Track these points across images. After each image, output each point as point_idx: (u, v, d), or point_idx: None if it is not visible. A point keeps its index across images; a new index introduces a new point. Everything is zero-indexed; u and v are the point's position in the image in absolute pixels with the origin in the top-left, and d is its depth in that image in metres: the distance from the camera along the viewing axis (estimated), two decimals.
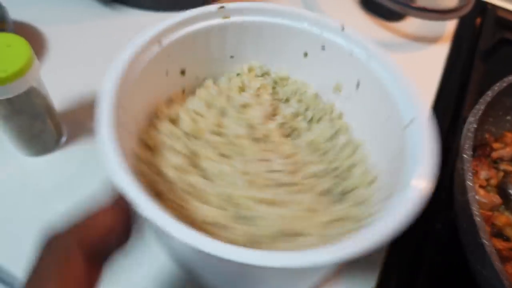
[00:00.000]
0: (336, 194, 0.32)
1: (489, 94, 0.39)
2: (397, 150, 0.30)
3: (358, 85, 0.35)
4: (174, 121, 0.33)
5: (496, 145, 0.42)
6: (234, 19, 0.35)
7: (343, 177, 0.33)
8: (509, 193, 0.36)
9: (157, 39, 0.32)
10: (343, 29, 0.34)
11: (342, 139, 0.35)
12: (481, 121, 0.37)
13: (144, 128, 0.32)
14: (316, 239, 0.27)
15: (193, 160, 0.31)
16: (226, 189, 0.29)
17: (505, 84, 0.39)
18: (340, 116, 0.37)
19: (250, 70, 0.38)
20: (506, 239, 0.35)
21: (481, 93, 0.40)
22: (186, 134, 0.32)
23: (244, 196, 0.28)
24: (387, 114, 0.32)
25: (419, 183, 0.25)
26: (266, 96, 0.36)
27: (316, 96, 0.38)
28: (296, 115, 0.36)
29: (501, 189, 0.38)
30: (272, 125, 0.34)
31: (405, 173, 0.27)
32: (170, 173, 0.29)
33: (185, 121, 0.33)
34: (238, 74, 0.37)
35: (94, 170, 0.39)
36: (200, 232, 0.22)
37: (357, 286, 0.35)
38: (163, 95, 0.34)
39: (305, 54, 0.37)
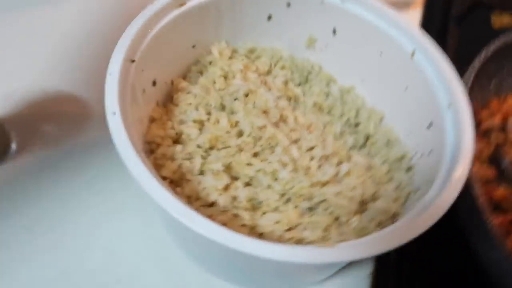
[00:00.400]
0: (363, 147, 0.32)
1: (477, 63, 0.37)
2: (404, 89, 0.31)
3: (334, 32, 0.34)
4: (177, 140, 0.29)
5: (484, 113, 0.40)
6: (190, 3, 0.30)
7: (356, 124, 0.33)
8: (503, 165, 0.35)
9: (128, 57, 0.26)
10: None
11: (334, 89, 0.35)
12: (469, 90, 0.36)
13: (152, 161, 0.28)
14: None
15: (229, 171, 0.28)
16: (286, 187, 0.27)
17: (490, 52, 0.37)
18: (321, 69, 0.36)
19: (220, 53, 0.34)
20: (504, 211, 0.34)
21: (458, 59, 0.38)
22: (202, 148, 0.28)
23: (306, 187, 0.27)
24: (379, 50, 0.32)
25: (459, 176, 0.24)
26: (252, 75, 0.33)
27: (291, 56, 0.36)
28: (285, 83, 0.34)
29: (494, 161, 0.36)
30: (281, 102, 0.32)
31: (444, 161, 0.26)
32: (219, 200, 0.26)
33: (193, 135, 0.29)
34: (210, 63, 0.33)
35: (53, 182, 0.34)
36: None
37: (355, 268, 0.33)
38: (143, 118, 0.29)
39: (269, 17, 0.34)
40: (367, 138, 0.33)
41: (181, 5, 0.30)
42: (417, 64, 0.30)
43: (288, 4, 0.33)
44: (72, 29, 0.44)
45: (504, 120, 0.38)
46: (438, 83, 0.29)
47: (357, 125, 0.34)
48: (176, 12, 0.29)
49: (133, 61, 0.27)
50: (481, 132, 0.38)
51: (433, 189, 0.25)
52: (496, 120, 0.38)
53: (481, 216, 0.29)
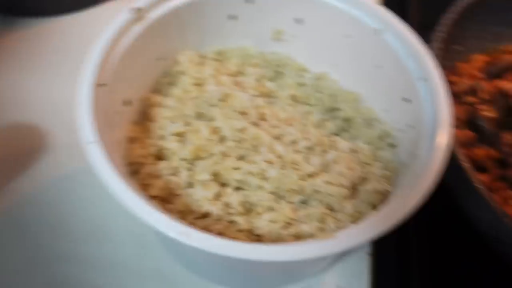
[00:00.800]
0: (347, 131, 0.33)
1: (440, 30, 0.37)
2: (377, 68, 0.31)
3: (298, 21, 0.34)
4: (160, 157, 0.29)
5: (453, 78, 0.41)
6: (150, 16, 0.30)
7: (335, 109, 0.33)
8: (480, 124, 0.36)
9: (97, 82, 0.26)
10: None
11: (308, 78, 0.35)
12: (437, 58, 0.36)
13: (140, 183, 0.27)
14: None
15: (217, 179, 0.27)
16: (276, 184, 0.27)
17: (452, 17, 0.38)
18: (292, 60, 0.36)
19: (189, 61, 0.33)
20: (486, 170, 0.35)
21: (422, 27, 0.39)
22: (186, 160, 0.28)
23: (296, 181, 0.27)
24: (346, 33, 0.32)
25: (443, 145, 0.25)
26: (224, 77, 0.33)
27: (260, 52, 0.35)
28: (258, 80, 0.34)
29: (471, 123, 0.37)
30: (257, 100, 0.31)
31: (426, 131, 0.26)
32: (212, 209, 0.26)
33: (175, 149, 0.28)
34: (180, 72, 0.33)
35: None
36: None
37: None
38: (121, 141, 0.29)
39: (232, 17, 0.34)
40: (347, 121, 0.33)
41: (140, 19, 0.29)
42: (385, 42, 0.31)
43: (247, 0, 0.33)
44: None
45: (474, 81, 0.39)
46: (407, 57, 0.29)
47: (335, 110, 0.34)
48: (137, 28, 0.29)
49: (101, 85, 0.26)
50: (453, 97, 0.39)
51: (420, 161, 0.25)
52: (466, 83, 0.39)
53: (467, 177, 0.30)
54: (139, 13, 0.29)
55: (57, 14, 0.48)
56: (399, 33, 0.30)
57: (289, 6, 0.33)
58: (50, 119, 0.39)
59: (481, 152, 0.35)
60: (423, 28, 0.38)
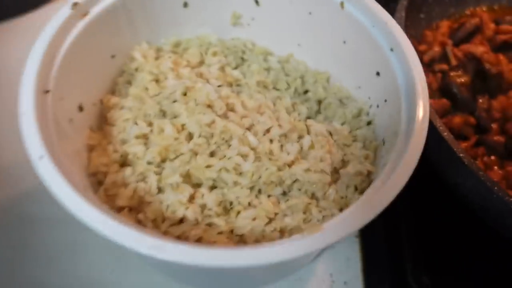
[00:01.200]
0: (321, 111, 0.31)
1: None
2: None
3: (257, 2, 0.32)
4: (124, 163, 0.27)
5: (421, 47, 0.40)
6: (94, 10, 0.27)
7: (305, 91, 0.32)
8: (454, 92, 0.35)
9: (40, 88, 0.23)
10: None
11: (273, 62, 0.33)
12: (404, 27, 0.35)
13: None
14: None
15: (189, 180, 0.25)
16: (254, 178, 0.25)
17: None
18: (254, 45, 0.34)
19: (144, 56, 0.31)
20: (466, 138, 0.35)
21: None
22: (153, 163, 0.26)
23: (274, 173, 0.25)
24: (307, 10, 0.30)
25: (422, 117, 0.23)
26: (184, 70, 0.30)
27: (221, 40, 0.33)
28: (222, 70, 0.32)
29: (445, 91, 0.36)
30: (223, 90, 0.29)
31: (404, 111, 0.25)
32: (187, 214, 0.24)
33: (140, 153, 0.26)
34: (136, 69, 0.30)
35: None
36: None
37: None
38: (79, 150, 0.26)
39: (185, 4, 0.31)
40: (320, 103, 0.32)
41: (85, 15, 0.26)
42: (349, 15, 0.29)
43: None
44: None
45: (443, 47, 0.38)
46: (374, 29, 0.28)
47: (306, 92, 0.32)
48: (81, 23, 0.26)
49: (47, 91, 0.23)
50: (424, 66, 0.38)
51: (400, 137, 0.24)
52: (435, 50, 0.38)
53: (449, 147, 0.29)
54: (80, 8, 0.26)
55: None
56: (363, 4, 0.28)
57: None
58: None
59: (458, 119, 0.34)
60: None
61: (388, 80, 0.27)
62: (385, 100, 0.28)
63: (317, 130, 0.29)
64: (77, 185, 0.20)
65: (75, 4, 0.25)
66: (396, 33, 0.27)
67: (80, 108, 0.27)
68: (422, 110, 0.24)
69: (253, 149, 0.26)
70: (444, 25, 0.41)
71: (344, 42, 0.30)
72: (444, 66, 0.37)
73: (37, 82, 0.23)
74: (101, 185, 0.26)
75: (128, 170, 0.26)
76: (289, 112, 0.30)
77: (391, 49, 0.27)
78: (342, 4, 0.29)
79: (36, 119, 0.21)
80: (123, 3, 0.28)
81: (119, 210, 0.25)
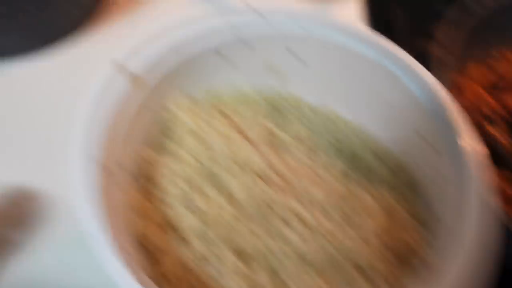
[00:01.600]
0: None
1: (437, 52, 0.36)
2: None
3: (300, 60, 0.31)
4: (168, 225, 0.26)
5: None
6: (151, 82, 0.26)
7: (342, 145, 0.31)
8: (494, 146, 0.34)
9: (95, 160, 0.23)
10: None
11: (308, 111, 0.32)
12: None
13: None
14: None
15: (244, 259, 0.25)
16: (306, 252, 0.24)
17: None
18: (291, 95, 0.33)
19: (181, 107, 0.31)
20: None
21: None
22: (196, 230, 0.25)
23: (324, 249, 0.25)
24: (345, 64, 0.30)
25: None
26: (223, 125, 0.30)
27: (255, 88, 0.33)
28: (260, 124, 0.31)
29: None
30: (264, 149, 0.29)
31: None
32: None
33: (182, 216, 0.26)
34: (173, 122, 0.30)
35: None
36: None
37: None
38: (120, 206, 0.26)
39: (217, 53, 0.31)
40: (356, 158, 0.31)
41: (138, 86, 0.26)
42: (386, 71, 0.29)
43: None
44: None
45: (477, 97, 0.38)
46: (410, 83, 0.28)
47: (342, 147, 0.32)
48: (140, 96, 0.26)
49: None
50: None
51: (457, 218, 0.23)
52: (470, 100, 0.38)
53: None
54: (138, 80, 0.26)
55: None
56: (399, 60, 0.28)
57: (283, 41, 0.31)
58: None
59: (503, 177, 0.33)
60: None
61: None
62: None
63: (359, 192, 0.28)
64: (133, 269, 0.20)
65: (134, 77, 0.25)
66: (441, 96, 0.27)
67: (121, 165, 0.27)
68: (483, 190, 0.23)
69: (301, 220, 0.25)
70: (476, 71, 0.40)
71: (390, 105, 0.30)
72: (479, 118, 0.36)
73: (92, 154, 0.23)
74: (141, 247, 0.26)
75: (170, 234, 0.25)
76: (326, 169, 0.30)
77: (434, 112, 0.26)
78: (378, 61, 0.28)
79: (95, 207, 0.21)
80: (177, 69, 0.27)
81: (162, 278, 0.25)
